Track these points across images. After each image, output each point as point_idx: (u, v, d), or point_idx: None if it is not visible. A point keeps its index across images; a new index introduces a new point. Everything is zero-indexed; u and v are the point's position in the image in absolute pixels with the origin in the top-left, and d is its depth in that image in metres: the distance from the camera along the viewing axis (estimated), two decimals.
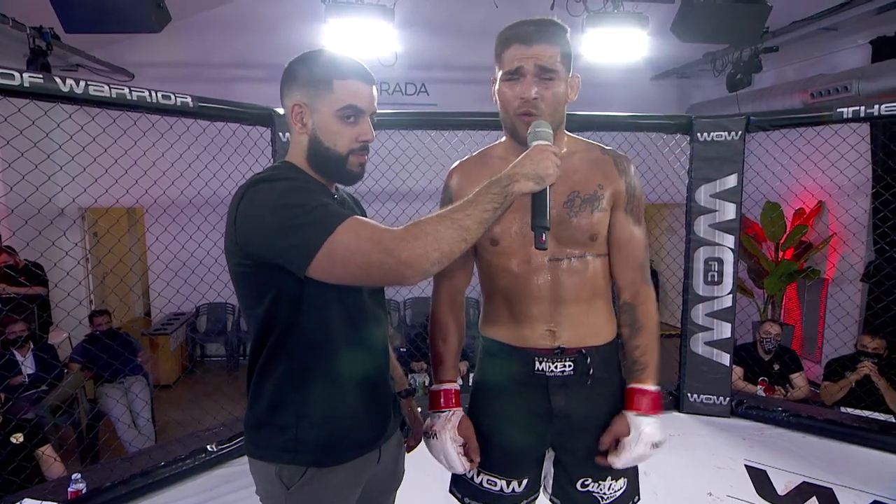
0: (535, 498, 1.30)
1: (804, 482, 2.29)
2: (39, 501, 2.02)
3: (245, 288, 1.00)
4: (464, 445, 1.19)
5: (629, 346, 1.21)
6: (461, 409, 1.22)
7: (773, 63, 5.35)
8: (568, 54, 1.11)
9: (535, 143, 1.02)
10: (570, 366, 1.17)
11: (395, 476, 1.20)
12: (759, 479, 2.32)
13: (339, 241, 0.87)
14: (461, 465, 1.18)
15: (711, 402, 2.90)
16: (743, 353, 3.64)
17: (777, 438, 2.67)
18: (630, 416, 1.16)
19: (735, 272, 2.85)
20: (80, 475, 2.13)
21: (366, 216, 1.24)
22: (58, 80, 1.83)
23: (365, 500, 1.12)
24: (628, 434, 1.15)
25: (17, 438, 2.68)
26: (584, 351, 1.18)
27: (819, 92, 4.63)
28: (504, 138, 1.24)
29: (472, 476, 1.25)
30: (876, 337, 3.38)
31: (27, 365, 3.77)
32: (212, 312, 6.18)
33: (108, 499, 2.11)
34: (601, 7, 3.47)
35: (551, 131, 1.06)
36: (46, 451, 2.74)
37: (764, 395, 3.48)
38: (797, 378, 3.58)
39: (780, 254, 5.34)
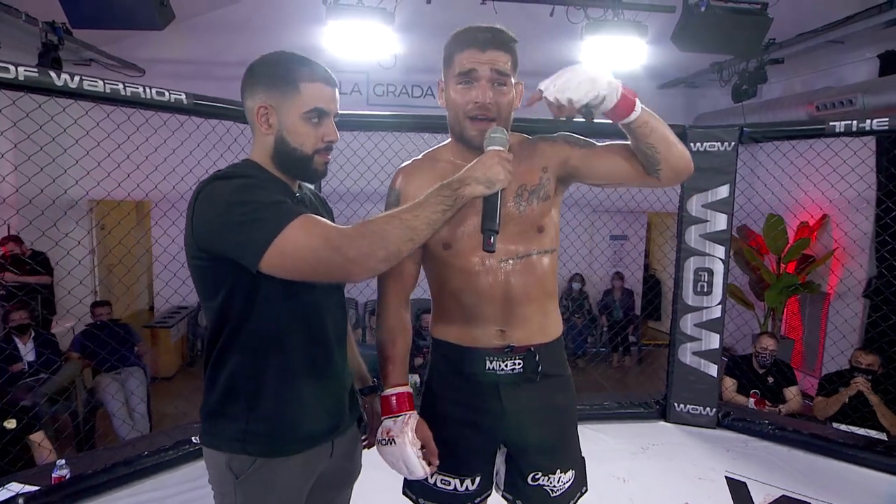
0: (489, 495, 1.32)
1: (783, 496, 2.27)
2: (23, 485, 2.07)
3: (201, 281, 1.03)
4: (422, 448, 1.15)
5: None
6: (416, 411, 1.20)
7: (780, 75, 5.33)
8: (516, 63, 1.15)
9: (489, 148, 1.04)
10: (519, 363, 1.20)
11: (350, 471, 1.22)
12: (738, 491, 2.31)
13: (289, 238, 0.90)
14: (422, 470, 1.14)
15: (698, 412, 2.89)
16: (730, 365, 3.62)
17: (761, 451, 2.66)
18: None
19: (725, 283, 2.84)
20: (64, 461, 2.18)
21: (331, 214, 1.27)
22: (52, 74, 1.88)
23: (318, 493, 1.14)
24: None
25: (10, 424, 2.74)
26: (532, 349, 1.21)
27: (824, 105, 4.60)
28: (449, 141, 1.26)
29: (426, 477, 1.26)
30: (870, 353, 3.34)
31: (28, 352, 3.85)
32: None
33: (91, 485, 2.15)
34: (601, 15, 3.48)
35: (507, 137, 1.07)
36: (36, 438, 2.79)
37: (755, 407, 3.46)
38: (789, 392, 3.56)
39: (782, 266, 5.30)
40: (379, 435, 1.18)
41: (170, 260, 3.43)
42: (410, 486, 1.31)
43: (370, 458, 1.30)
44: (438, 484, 1.26)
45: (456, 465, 1.25)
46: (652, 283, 7.50)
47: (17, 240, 4.60)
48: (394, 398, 1.18)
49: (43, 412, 3.18)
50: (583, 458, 1.30)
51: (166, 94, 2.16)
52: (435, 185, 1.00)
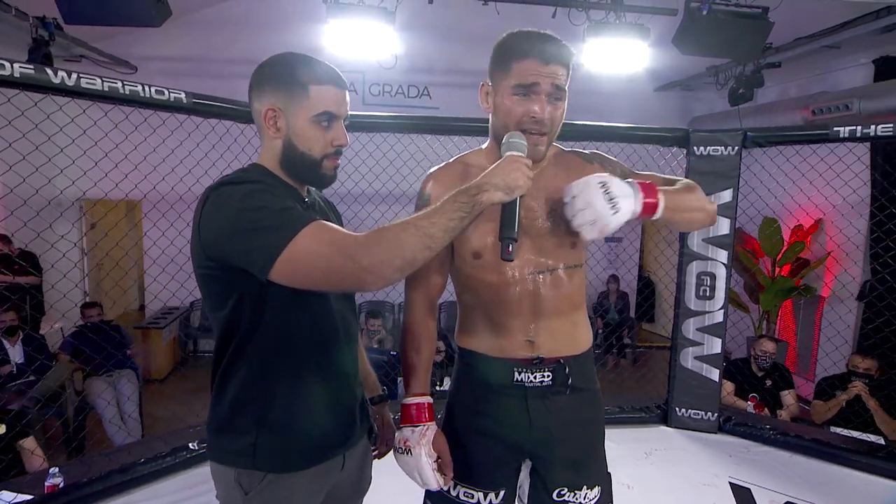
0: None
1: (788, 502, 2.27)
2: (16, 494, 2.01)
3: (209, 290, 0.99)
4: (437, 460, 1.16)
5: None
6: (434, 423, 1.20)
7: (775, 79, 5.35)
8: (570, 74, 1.12)
9: (508, 153, 1.01)
10: (548, 376, 1.17)
11: (360, 484, 1.19)
12: (743, 497, 2.30)
13: (301, 246, 0.87)
14: (436, 482, 1.15)
15: (699, 417, 2.88)
16: (736, 369, 3.62)
17: (763, 456, 2.65)
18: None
19: (727, 287, 2.84)
20: (57, 469, 2.12)
21: (340, 219, 1.23)
22: (49, 71, 1.82)
23: None
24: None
25: (0, 429, 2.67)
26: (562, 361, 1.18)
27: (820, 109, 4.62)
28: (486, 146, 1.24)
29: (449, 488, 1.24)
30: (867, 357, 3.35)
31: (16, 354, 3.76)
32: None
33: (85, 494, 2.09)
34: (603, 17, 3.46)
35: (525, 143, 1.05)
36: (27, 444, 2.72)
37: (754, 411, 3.46)
38: (787, 396, 3.56)
39: (777, 270, 5.32)
40: (397, 443, 1.18)
41: (169, 261, 3.39)
42: (431, 498, 1.28)
43: (384, 466, 1.27)
44: (461, 496, 1.23)
45: (480, 478, 1.22)
46: (646, 286, 7.52)
47: (4, 239, 4.51)
48: (414, 408, 1.18)
49: (33, 417, 3.10)
50: (609, 474, 1.28)
51: (166, 92, 2.11)
52: None
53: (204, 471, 2.38)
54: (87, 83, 1.90)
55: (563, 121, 1.15)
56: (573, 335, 1.21)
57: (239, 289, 0.95)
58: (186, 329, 6.12)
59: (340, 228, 0.92)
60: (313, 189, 1.13)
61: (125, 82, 2.00)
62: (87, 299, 5.10)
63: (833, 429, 3.18)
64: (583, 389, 1.22)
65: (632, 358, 6.55)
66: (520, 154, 1.01)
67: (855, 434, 3.00)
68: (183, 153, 2.91)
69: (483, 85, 1.16)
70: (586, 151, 1.24)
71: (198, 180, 3.14)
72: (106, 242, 4.56)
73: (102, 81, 1.94)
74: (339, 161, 1.06)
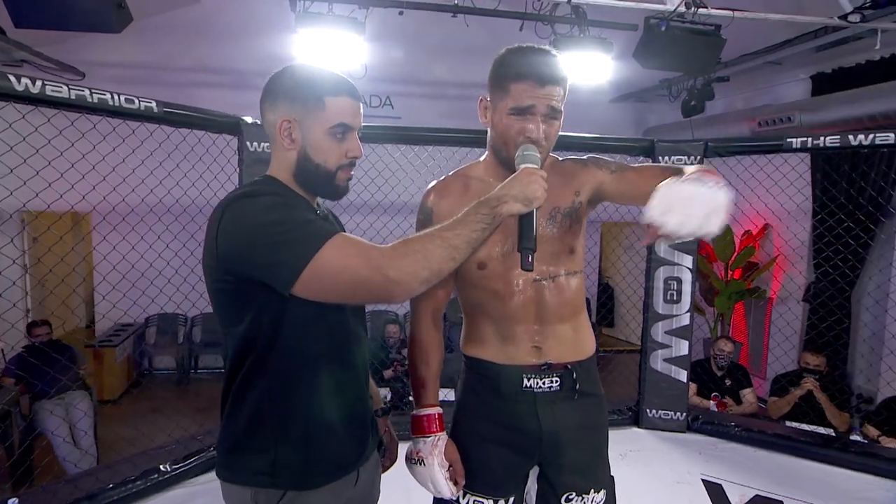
0: None
1: (757, 495, 2.38)
2: None
3: (225, 305, 0.97)
4: (450, 469, 1.19)
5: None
6: (445, 433, 1.22)
7: (724, 92, 5.64)
8: (566, 93, 1.15)
9: (523, 165, 1.03)
10: (556, 381, 1.20)
11: (371, 498, 1.18)
12: (716, 492, 2.40)
13: (326, 259, 0.86)
14: (449, 491, 1.18)
15: (669, 417, 2.99)
16: (698, 370, 3.77)
17: (731, 453, 2.77)
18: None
19: (693, 291, 2.96)
20: (17, 500, 1.99)
21: (344, 230, 1.23)
22: (12, 78, 1.73)
23: None
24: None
25: None
26: (569, 366, 1.21)
27: (766, 121, 4.90)
28: (483, 158, 1.26)
29: (458, 497, 1.24)
30: (817, 354, 3.56)
31: None
32: (162, 323, 5.92)
33: None
34: (568, 31, 3.57)
35: (539, 156, 1.08)
36: None
37: (716, 409, 3.61)
38: (747, 394, 3.73)
39: (730, 273, 5.58)
40: (409, 454, 1.21)
41: (112, 277, 3.23)
42: None
43: (389, 478, 1.26)
44: None
45: (490, 486, 1.23)
46: (604, 291, 7.74)
47: None
48: (425, 419, 1.21)
49: None
50: (612, 477, 1.31)
51: (136, 101, 2.03)
52: (468, 203, 0.98)
53: (178, 493, 2.29)
54: (53, 91, 1.82)
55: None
56: (577, 340, 1.24)
57: (258, 304, 0.93)
58: (141, 347, 5.86)
59: (364, 241, 0.92)
60: (321, 201, 1.12)
61: (93, 90, 1.92)
62: (31, 318, 4.80)
63: (787, 423, 3.35)
64: (589, 394, 1.25)
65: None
66: (535, 166, 1.03)
67: (805, 427, 3.18)
68: (138, 162, 2.81)
69: (482, 100, 1.19)
70: (583, 157, 1.28)
71: (168, 191, 3.03)
72: (52, 257, 4.32)
73: (69, 89, 1.86)
74: (352, 172, 1.05)
